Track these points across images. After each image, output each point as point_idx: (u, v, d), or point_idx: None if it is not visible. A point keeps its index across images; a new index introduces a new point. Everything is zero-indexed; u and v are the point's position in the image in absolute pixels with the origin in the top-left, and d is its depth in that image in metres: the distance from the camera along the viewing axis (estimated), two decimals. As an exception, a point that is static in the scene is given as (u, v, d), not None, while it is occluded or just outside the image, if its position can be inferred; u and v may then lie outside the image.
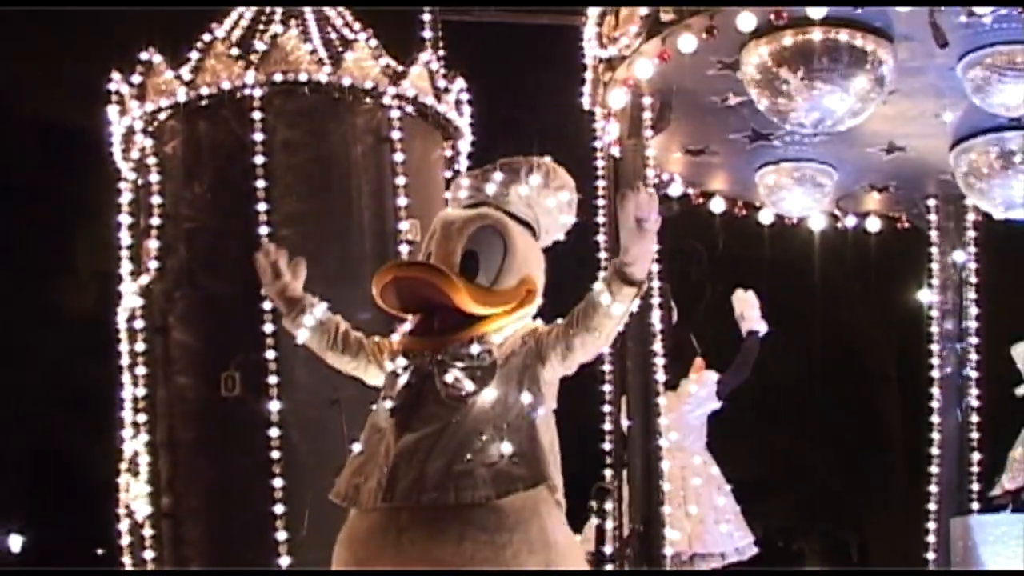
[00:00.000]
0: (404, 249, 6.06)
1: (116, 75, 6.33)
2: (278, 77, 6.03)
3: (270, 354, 5.75)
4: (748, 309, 7.35)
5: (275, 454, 5.64)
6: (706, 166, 7.70)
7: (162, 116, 6.21)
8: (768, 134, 7.06)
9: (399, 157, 6.13)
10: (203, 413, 5.86)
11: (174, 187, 6.17)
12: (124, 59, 6.28)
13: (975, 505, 7.29)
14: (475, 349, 4.34)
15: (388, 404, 4.39)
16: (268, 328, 5.76)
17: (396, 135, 6.16)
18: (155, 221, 6.12)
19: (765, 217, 7.98)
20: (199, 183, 6.10)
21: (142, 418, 5.96)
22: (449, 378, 4.30)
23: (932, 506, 7.50)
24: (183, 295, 6.05)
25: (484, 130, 7.08)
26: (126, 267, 6.29)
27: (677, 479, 6.74)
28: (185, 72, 6.12)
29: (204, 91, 6.09)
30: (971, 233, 7.94)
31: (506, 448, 4.25)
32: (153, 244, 6.10)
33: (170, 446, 5.92)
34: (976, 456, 7.43)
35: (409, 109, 6.28)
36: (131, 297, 6.20)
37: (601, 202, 6.58)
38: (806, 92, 5.98)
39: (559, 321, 4.35)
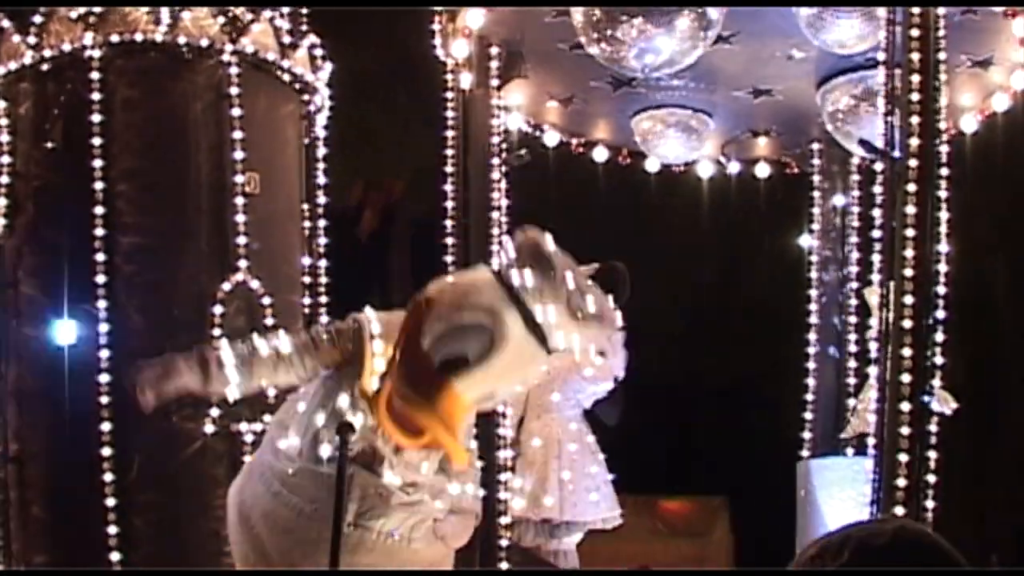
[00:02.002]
0: (240, 201, 6.24)
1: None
2: (115, 38, 6.23)
3: (102, 303, 5.98)
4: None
5: (104, 399, 5.87)
6: (581, 115, 7.81)
7: (12, 79, 6.45)
8: (629, 80, 7.15)
9: (236, 112, 6.30)
10: (44, 361, 6.10)
11: (24, 147, 6.41)
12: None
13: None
14: None
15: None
16: (101, 279, 6.01)
17: (234, 91, 6.34)
18: (4, 180, 6.37)
19: (651, 165, 8.06)
20: (46, 142, 6.32)
21: (-8, 368, 6.23)
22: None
23: (805, 452, 7.56)
24: (30, 250, 6.29)
25: (345, 85, 7.28)
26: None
27: (553, 443, 6.82)
28: (31, 36, 6.35)
29: (47, 53, 6.31)
30: (855, 177, 7.99)
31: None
32: (1, 202, 6.35)
33: (15, 393, 6.18)
34: (851, 402, 7.47)
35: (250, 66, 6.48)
36: (-14, 253, 6.46)
37: (450, 152, 6.71)
38: (632, 35, 6.08)
39: None
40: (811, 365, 7.70)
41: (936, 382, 6.32)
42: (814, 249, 7.83)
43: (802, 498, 6.74)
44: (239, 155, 6.29)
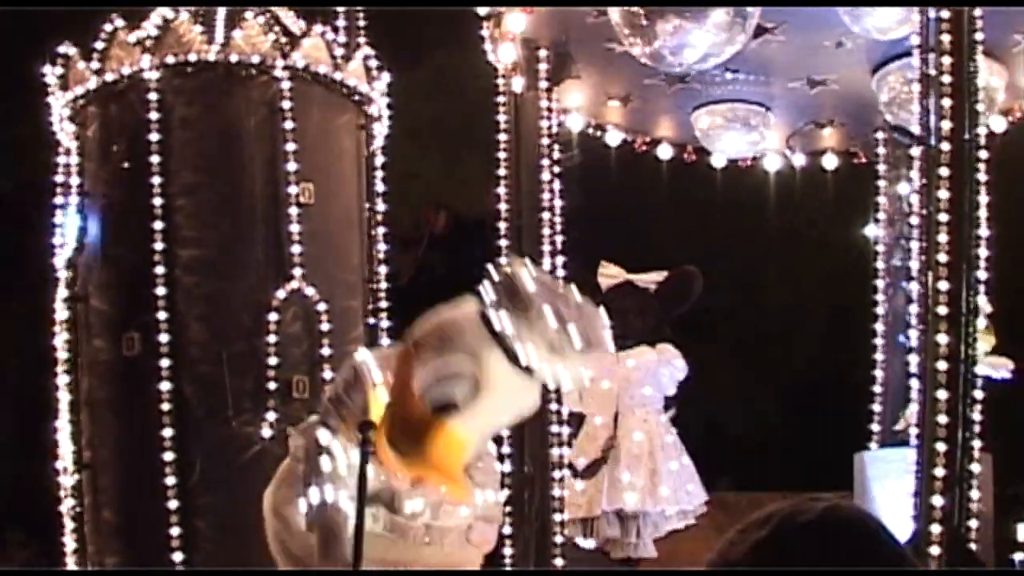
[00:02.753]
0: (294, 211, 6.43)
1: (46, 68, 6.90)
2: (170, 59, 6.48)
3: (162, 315, 6.23)
4: None
5: (165, 406, 6.11)
6: (642, 113, 7.85)
7: (81, 103, 6.75)
8: (682, 76, 7.17)
9: (289, 125, 6.49)
10: (112, 372, 6.37)
11: (92, 167, 6.70)
12: (39, 54, 6.83)
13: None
14: None
15: None
16: (161, 291, 6.25)
17: (286, 105, 6.53)
18: (75, 199, 6.67)
19: (717, 161, 8.04)
20: (115, 162, 6.61)
21: (64, 379, 6.51)
22: None
23: (873, 445, 7.46)
24: (99, 266, 6.57)
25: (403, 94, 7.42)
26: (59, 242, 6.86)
27: (655, 436, 6.94)
28: (94, 62, 6.63)
29: (109, 77, 6.59)
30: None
31: None
32: (75, 220, 6.65)
33: (88, 403, 6.45)
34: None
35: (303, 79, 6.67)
36: (62, 270, 6.76)
37: (503, 155, 6.81)
38: (667, 32, 6.12)
39: None
40: (879, 356, 7.61)
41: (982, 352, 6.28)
42: (880, 239, 7.73)
43: (858, 488, 6.68)
44: (292, 167, 6.47)
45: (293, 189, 6.46)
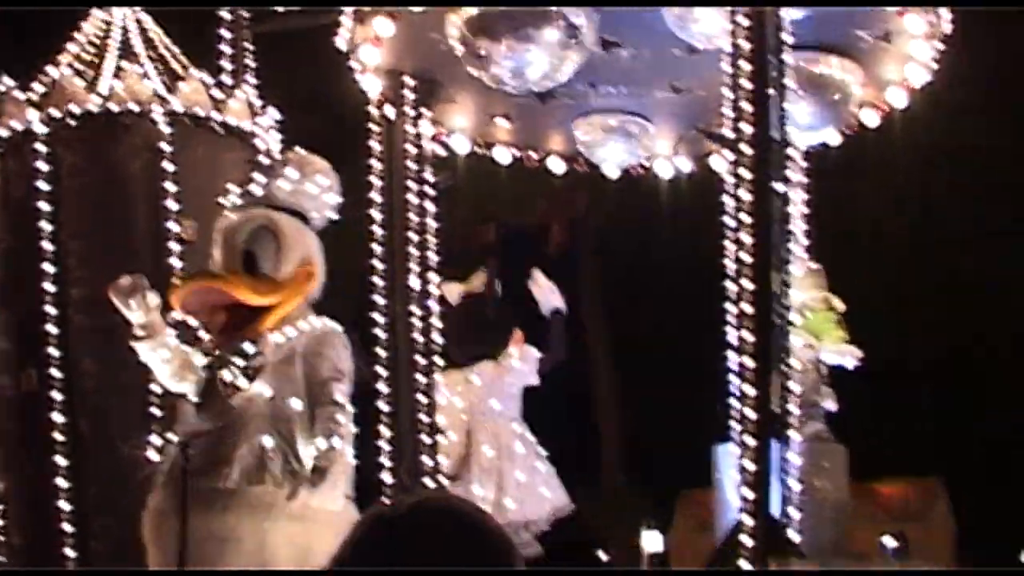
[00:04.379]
0: (176, 247, 6.86)
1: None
2: (55, 112, 6.96)
3: (55, 351, 6.69)
4: (541, 292, 7.70)
5: (59, 436, 6.57)
6: (530, 129, 8.15)
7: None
8: (549, 93, 7.49)
9: (169, 167, 6.93)
10: (12, 407, 6.85)
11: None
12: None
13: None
14: (250, 349, 5.23)
15: (192, 398, 5.32)
16: (53, 329, 6.72)
17: (166, 147, 6.98)
18: (-23, 245, 7.19)
19: (609, 170, 8.33)
20: (9, 211, 7.09)
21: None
22: (227, 375, 5.19)
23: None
24: (2, 308, 7.05)
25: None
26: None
27: (503, 448, 7.21)
28: (-10, 117, 7.15)
29: (3, 133, 7.09)
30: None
31: (267, 442, 5.11)
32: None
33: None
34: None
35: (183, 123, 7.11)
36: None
37: (376, 180, 7.17)
38: (503, 54, 6.45)
39: (331, 391, 5.25)
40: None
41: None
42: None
43: (715, 484, 6.97)
44: (173, 206, 6.91)
45: (174, 227, 6.90)
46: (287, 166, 5.57)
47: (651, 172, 8.35)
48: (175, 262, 6.86)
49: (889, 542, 6.39)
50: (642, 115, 7.88)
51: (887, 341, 15.39)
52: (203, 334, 5.72)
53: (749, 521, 5.45)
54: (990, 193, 15.93)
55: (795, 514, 5.63)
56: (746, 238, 5.64)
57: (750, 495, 5.46)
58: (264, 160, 5.86)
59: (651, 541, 18.11)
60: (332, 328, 5.57)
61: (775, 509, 5.52)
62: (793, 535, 5.58)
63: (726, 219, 5.84)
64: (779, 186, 5.75)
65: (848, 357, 6.97)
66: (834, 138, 7.73)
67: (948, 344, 16.25)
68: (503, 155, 8.20)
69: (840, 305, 7.11)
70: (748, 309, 5.63)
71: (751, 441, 5.51)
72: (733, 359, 5.79)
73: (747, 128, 5.75)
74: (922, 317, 15.95)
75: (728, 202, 5.84)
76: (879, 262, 15.55)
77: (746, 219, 5.66)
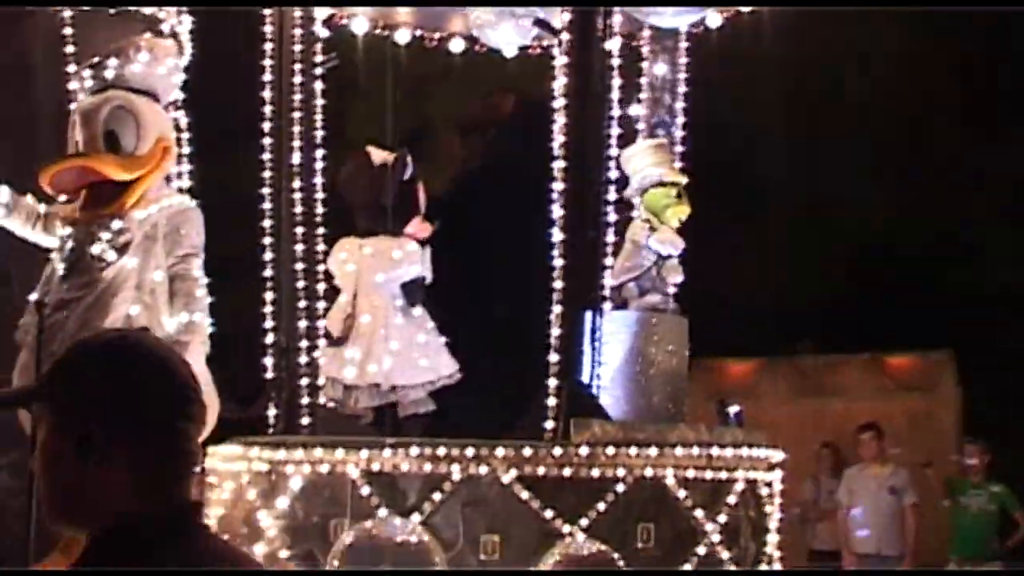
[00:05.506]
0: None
1: None
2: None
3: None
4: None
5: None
6: (431, 12, 8.51)
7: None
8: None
9: (70, 48, 7.42)
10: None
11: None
12: None
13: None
14: (116, 225, 5.83)
15: (58, 268, 5.95)
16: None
17: (67, 31, 7.45)
18: None
19: (508, 52, 8.68)
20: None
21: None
22: (96, 249, 5.80)
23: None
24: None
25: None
26: None
27: (380, 318, 7.71)
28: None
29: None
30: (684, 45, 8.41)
31: (133, 310, 5.72)
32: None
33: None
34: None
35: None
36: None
37: (268, 63, 7.62)
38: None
39: (190, 266, 5.91)
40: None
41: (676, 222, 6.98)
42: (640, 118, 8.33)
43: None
44: (74, 85, 7.39)
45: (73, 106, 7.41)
46: (140, 50, 6.02)
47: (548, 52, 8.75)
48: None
49: (733, 410, 6.79)
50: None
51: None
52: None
53: (553, 383, 5.96)
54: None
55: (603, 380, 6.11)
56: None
57: (555, 359, 5.96)
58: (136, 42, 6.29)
59: None
60: (189, 205, 6.15)
61: (584, 375, 6.02)
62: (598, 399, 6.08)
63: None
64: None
65: (669, 246, 7.23)
66: (714, 20, 8.10)
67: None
68: (403, 36, 8.61)
69: (682, 179, 7.43)
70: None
71: (558, 308, 5.99)
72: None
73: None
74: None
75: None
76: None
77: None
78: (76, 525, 2.20)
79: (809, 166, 16.36)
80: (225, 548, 2.27)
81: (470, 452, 5.60)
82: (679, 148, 8.01)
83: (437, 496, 5.57)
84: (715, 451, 5.89)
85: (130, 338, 2.32)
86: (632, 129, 8.26)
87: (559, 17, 6.43)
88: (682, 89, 8.14)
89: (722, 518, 5.91)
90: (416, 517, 5.57)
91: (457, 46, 8.74)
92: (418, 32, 8.64)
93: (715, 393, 16.26)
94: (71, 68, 7.40)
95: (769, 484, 6.39)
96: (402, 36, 8.59)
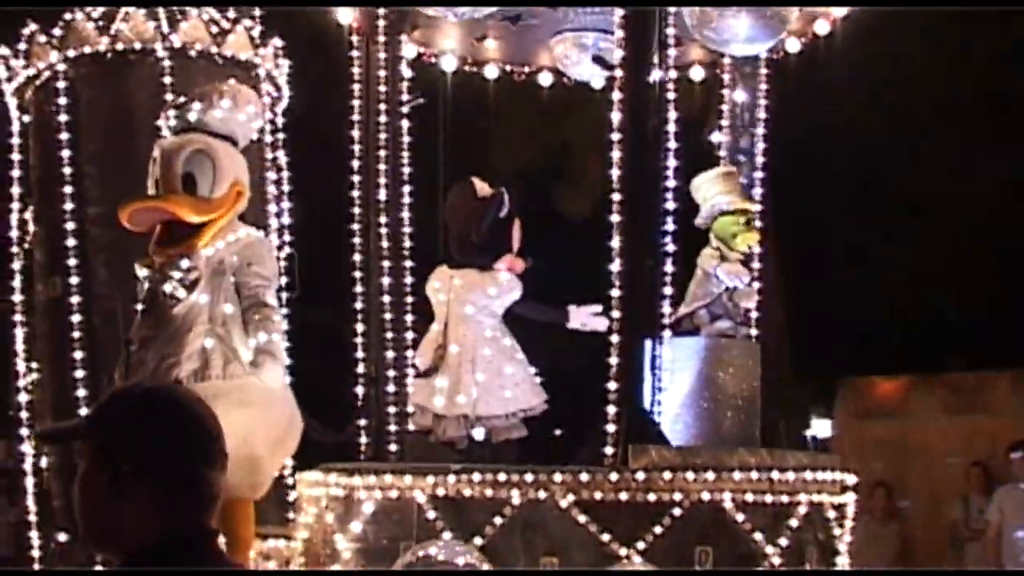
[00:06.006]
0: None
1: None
2: (71, 53, 7.96)
3: (73, 261, 7.79)
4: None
5: (76, 334, 7.69)
6: (515, 48, 8.74)
7: (19, 92, 8.32)
8: (517, 16, 8.10)
9: (169, 96, 7.86)
10: (44, 309, 8.02)
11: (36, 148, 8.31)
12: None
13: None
14: (185, 264, 6.23)
15: (140, 308, 6.40)
16: (72, 242, 7.81)
17: (167, 79, 7.91)
18: (17, 173, 8.30)
19: (596, 83, 8.84)
20: (39, 142, 8.18)
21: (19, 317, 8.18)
22: (168, 288, 6.21)
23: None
24: (36, 224, 8.19)
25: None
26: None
27: (468, 349, 7.73)
28: (21, 59, 8.18)
29: (31, 72, 8.13)
30: (764, 71, 8.47)
31: (208, 343, 6.11)
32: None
33: (33, 336, 8.12)
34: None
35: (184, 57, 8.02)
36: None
37: (356, 103, 7.95)
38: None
39: (262, 295, 6.25)
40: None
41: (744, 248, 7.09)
42: (723, 144, 8.44)
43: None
44: (173, 132, 7.85)
45: (175, 151, 7.84)
46: (223, 96, 6.36)
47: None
48: (175, 183, 7.81)
49: (810, 433, 6.73)
50: (609, 31, 8.39)
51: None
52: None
53: (613, 410, 6.12)
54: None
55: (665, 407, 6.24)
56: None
57: (614, 386, 6.12)
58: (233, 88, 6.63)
59: (820, 428, 18.41)
60: (257, 237, 6.48)
61: (644, 401, 6.16)
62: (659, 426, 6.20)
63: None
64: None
65: (735, 279, 7.32)
66: (793, 46, 8.18)
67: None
68: (491, 71, 8.86)
69: (751, 206, 7.51)
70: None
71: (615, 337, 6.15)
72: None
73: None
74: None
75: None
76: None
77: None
78: (104, 548, 2.54)
79: (961, 179, 16.10)
80: (234, 572, 2.59)
81: (529, 478, 5.80)
82: (759, 174, 8.13)
83: (498, 520, 5.79)
84: (775, 475, 5.98)
85: (163, 390, 2.66)
86: (715, 156, 8.41)
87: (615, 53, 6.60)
88: (762, 115, 8.25)
89: (783, 541, 5.99)
90: (478, 540, 5.79)
91: (546, 80, 8.97)
92: (507, 67, 8.89)
93: (863, 412, 16.12)
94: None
95: (839, 507, 6.44)
96: (490, 72, 8.85)
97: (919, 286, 16.44)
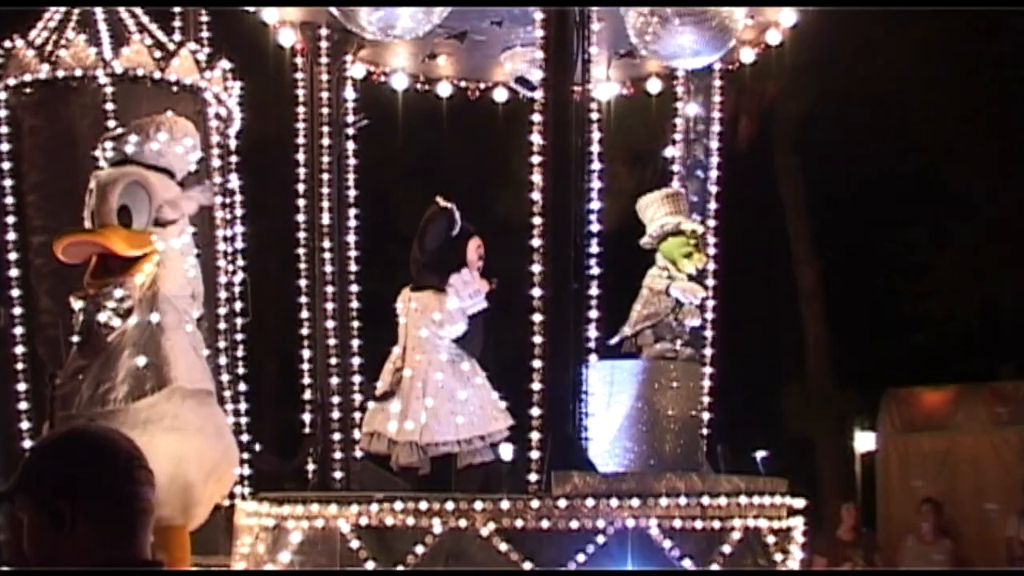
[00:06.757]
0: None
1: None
2: (11, 81, 7.89)
3: (16, 291, 7.72)
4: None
5: (20, 366, 7.62)
6: (467, 64, 8.61)
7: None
8: (462, 33, 7.97)
9: (112, 123, 7.78)
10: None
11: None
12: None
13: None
14: (119, 293, 6.14)
15: (74, 339, 6.31)
16: (15, 272, 7.74)
17: (109, 106, 7.83)
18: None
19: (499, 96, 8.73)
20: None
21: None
22: (102, 317, 6.13)
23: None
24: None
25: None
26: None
27: (420, 374, 7.48)
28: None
29: (-28, 101, 8.08)
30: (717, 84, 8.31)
31: (140, 361, 6.02)
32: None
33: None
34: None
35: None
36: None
37: (301, 125, 7.85)
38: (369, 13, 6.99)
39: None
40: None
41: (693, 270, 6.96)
42: (677, 158, 8.28)
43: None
44: (116, 157, 7.77)
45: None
46: (160, 130, 6.24)
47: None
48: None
49: (759, 455, 6.59)
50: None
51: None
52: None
53: (536, 436, 5.99)
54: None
55: (591, 431, 6.11)
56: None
57: (537, 412, 5.99)
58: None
59: (863, 441, 17.94)
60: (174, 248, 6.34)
61: (568, 427, 6.02)
62: (583, 450, 6.06)
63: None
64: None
65: (690, 296, 7.20)
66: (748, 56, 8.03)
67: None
68: (444, 89, 8.74)
69: (699, 228, 7.37)
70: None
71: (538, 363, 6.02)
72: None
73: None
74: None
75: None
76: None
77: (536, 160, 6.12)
78: None
79: (1009, 181, 15.76)
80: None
81: (450, 506, 5.68)
82: (713, 188, 7.97)
83: (420, 549, 5.67)
84: (706, 500, 5.83)
85: (78, 430, 2.93)
86: (668, 170, 8.26)
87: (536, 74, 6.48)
88: (716, 128, 8.10)
89: (715, 567, 5.84)
90: (400, 569, 5.69)
91: (500, 96, 8.84)
92: (462, 83, 8.76)
93: (907, 426, 15.60)
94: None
95: (781, 531, 6.28)
96: (444, 89, 8.73)
97: (967, 291, 16.10)
